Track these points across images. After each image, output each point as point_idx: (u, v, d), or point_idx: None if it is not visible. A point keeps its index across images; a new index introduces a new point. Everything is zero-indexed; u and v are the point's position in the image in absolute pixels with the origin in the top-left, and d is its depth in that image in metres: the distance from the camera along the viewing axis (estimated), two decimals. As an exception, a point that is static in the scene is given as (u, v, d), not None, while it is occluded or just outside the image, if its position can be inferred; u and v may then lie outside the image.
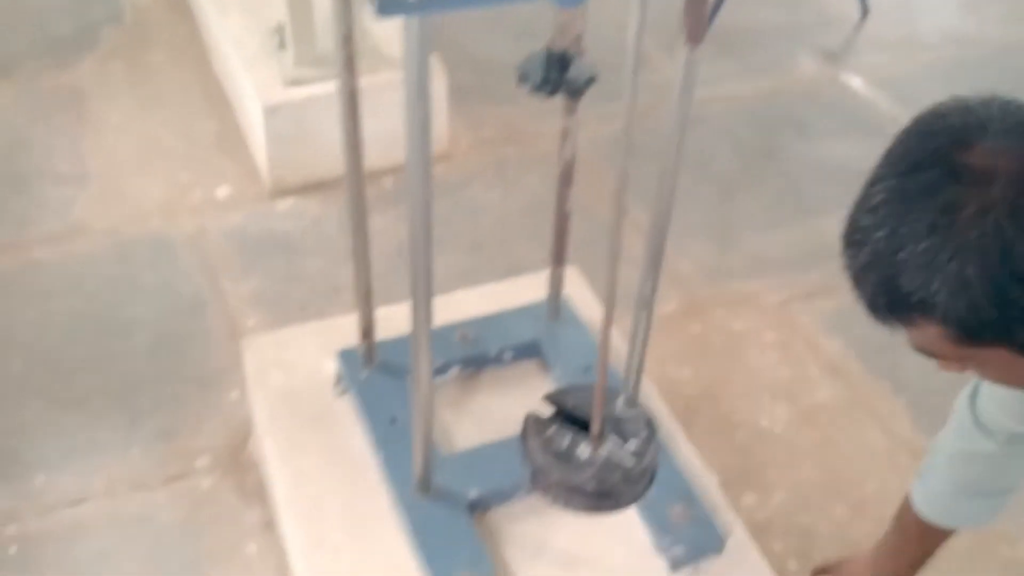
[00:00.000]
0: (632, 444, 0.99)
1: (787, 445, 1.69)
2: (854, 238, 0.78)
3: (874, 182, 0.76)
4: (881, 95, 2.58)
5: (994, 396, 1.06)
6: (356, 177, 1.16)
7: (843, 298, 2.15)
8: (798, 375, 1.82)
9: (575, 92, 0.93)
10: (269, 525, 1.49)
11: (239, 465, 1.58)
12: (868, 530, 1.56)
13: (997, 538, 1.56)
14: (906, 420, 1.75)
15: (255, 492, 1.54)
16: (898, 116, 2.48)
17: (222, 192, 2.13)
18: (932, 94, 2.65)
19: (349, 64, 1.03)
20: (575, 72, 0.94)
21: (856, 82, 2.63)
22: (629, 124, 0.77)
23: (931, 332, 0.75)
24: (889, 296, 0.75)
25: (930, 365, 1.87)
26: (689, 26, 0.88)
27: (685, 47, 0.87)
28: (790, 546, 1.53)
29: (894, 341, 2.03)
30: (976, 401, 1.10)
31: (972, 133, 0.72)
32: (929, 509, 1.20)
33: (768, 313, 1.94)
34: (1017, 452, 1.09)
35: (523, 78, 0.94)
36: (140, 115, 2.32)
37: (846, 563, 1.35)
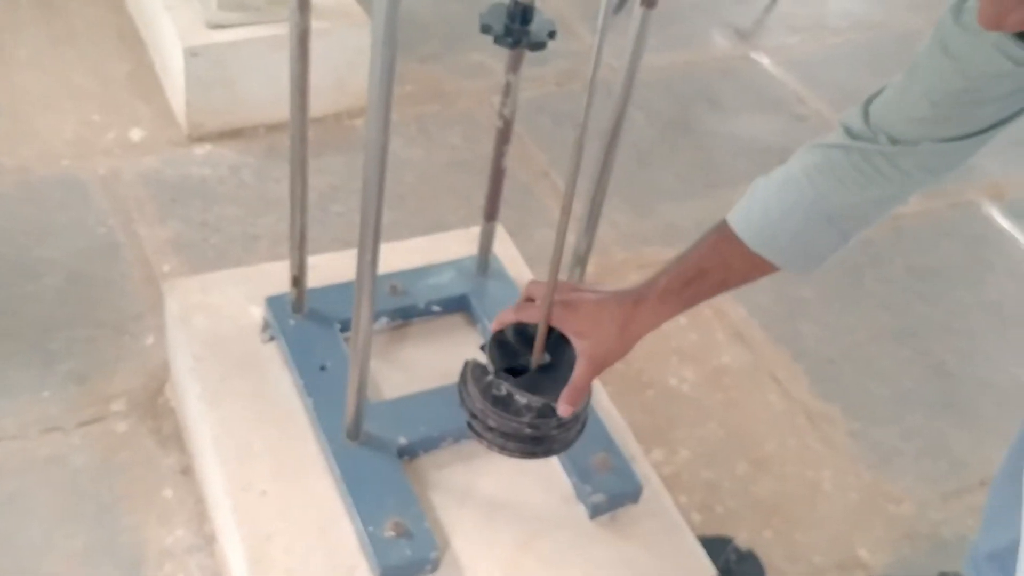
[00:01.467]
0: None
1: (693, 405, 1.77)
2: None
3: None
4: (789, 75, 2.67)
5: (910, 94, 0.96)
6: (300, 119, 1.16)
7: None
8: (705, 339, 1.90)
9: (536, 45, 0.95)
10: (187, 471, 1.49)
11: (155, 410, 1.56)
12: (767, 485, 1.66)
13: (884, 497, 1.67)
14: (803, 384, 1.84)
15: (172, 437, 1.53)
16: (804, 96, 2.58)
17: (136, 135, 2.08)
18: (837, 76, 2.81)
19: (304, 6, 1.03)
20: (537, 25, 0.96)
21: (766, 61, 2.71)
22: (591, 88, 0.80)
23: None
24: None
25: (824, 333, 1.97)
26: (645, -10, 0.91)
27: (640, 8, 0.90)
28: (694, 500, 1.61)
29: (793, 311, 2.13)
30: (873, 106, 1.00)
31: None
32: (751, 229, 1.02)
33: (679, 279, 2.00)
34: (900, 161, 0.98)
35: (485, 29, 0.95)
36: (50, 52, 2.24)
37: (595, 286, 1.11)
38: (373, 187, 0.96)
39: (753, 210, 1.04)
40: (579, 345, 1.03)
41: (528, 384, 1.02)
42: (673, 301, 1.07)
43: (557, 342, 1.04)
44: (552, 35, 0.96)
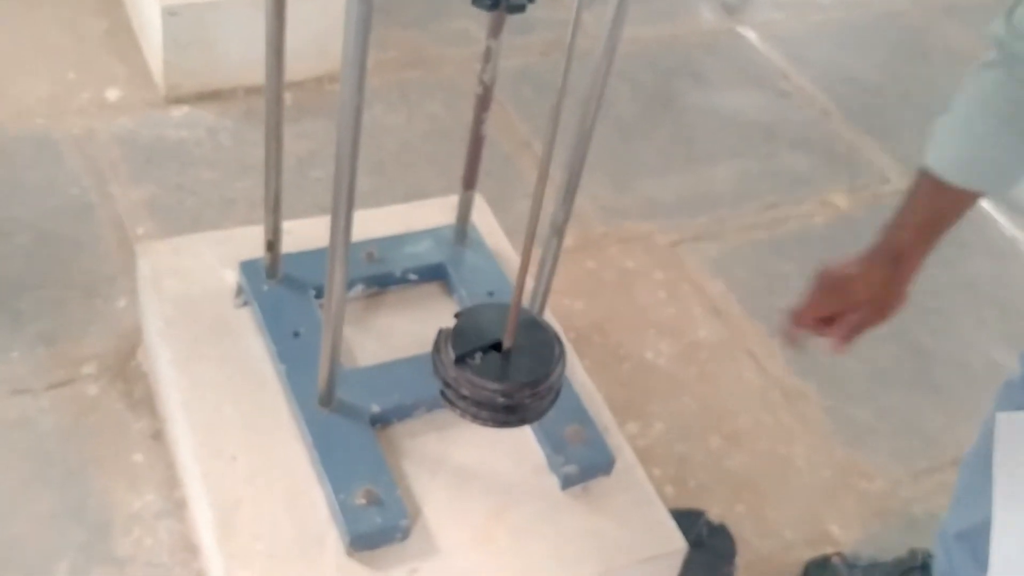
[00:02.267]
0: (542, 362, 1.01)
1: (669, 378, 1.77)
2: None
3: None
4: (774, 51, 2.66)
5: None
6: (276, 81, 1.14)
7: (727, 243, 2.24)
8: (682, 313, 1.90)
9: (515, 7, 0.94)
10: (157, 435, 1.47)
11: (126, 374, 1.55)
12: (740, 459, 1.66)
13: (856, 474, 1.68)
14: (779, 361, 1.84)
15: (143, 401, 1.51)
16: (788, 72, 2.57)
17: (112, 94, 2.04)
18: (821, 53, 2.80)
19: (279, -35, 1.00)
20: (516, -13, 0.94)
21: (751, 36, 2.70)
22: (568, 62, 0.78)
23: None
24: None
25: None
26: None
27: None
28: (667, 473, 1.61)
29: (771, 287, 2.13)
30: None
31: None
32: (946, 163, 1.07)
33: (658, 253, 2.00)
34: None
35: (464, -11, 0.94)
36: (24, 9, 2.20)
37: (848, 262, 1.23)
38: (347, 153, 0.94)
39: (947, 148, 1.08)
40: (868, 314, 1.18)
41: (498, 365, 1.01)
42: (922, 250, 1.18)
43: (529, 326, 1.03)
44: (532, -1, 0.94)
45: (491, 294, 1.39)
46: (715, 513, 1.54)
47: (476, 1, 0.93)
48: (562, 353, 1.03)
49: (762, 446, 1.69)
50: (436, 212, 1.52)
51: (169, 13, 1.95)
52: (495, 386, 0.99)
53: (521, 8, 0.94)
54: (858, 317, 1.19)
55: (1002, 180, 1.11)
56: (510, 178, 2.05)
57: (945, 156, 1.08)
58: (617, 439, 1.29)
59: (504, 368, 1.00)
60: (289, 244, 1.35)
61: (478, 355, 1.00)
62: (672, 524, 1.23)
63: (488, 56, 1.20)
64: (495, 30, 1.15)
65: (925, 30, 2.89)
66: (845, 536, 1.58)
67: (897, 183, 2.29)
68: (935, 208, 1.13)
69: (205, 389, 1.25)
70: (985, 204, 2.30)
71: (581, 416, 1.26)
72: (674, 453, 1.64)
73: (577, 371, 1.37)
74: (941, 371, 1.89)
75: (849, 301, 1.19)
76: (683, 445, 1.66)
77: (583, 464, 1.22)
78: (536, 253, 1.17)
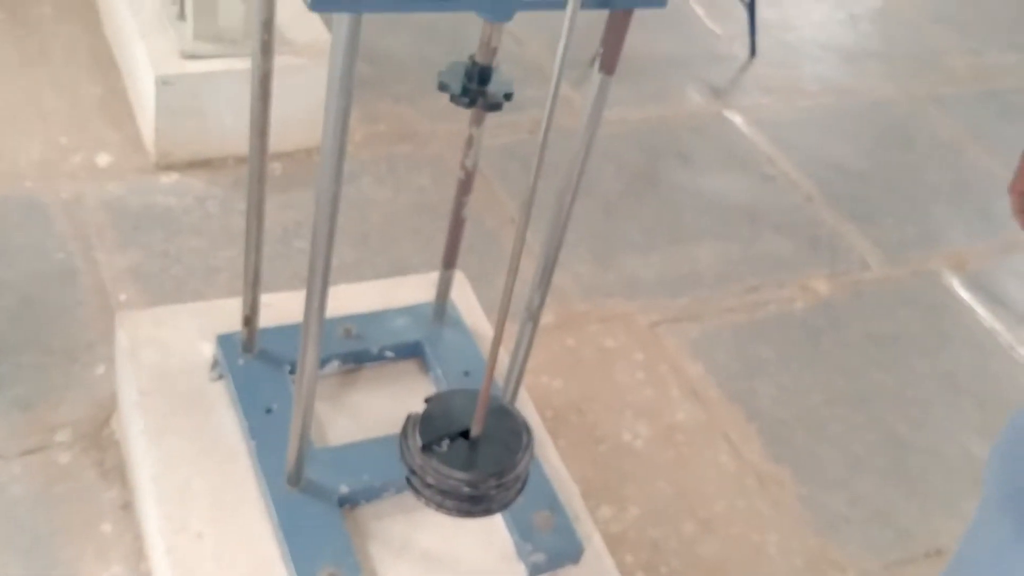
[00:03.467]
0: (509, 451, 1.02)
1: (645, 461, 1.76)
2: None
3: None
4: (760, 135, 2.70)
5: None
6: (259, 161, 1.16)
7: (708, 324, 2.25)
8: (660, 395, 1.90)
9: (492, 106, 0.96)
10: (127, 506, 1.46)
11: (100, 442, 1.54)
12: (713, 546, 1.65)
13: (828, 564, 1.67)
14: (756, 446, 1.85)
15: (115, 471, 1.50)
16: (773, 156, 2.62)
17: (103, 160, 2.07)
18: (806, 138, 2.84)
19: (267, 49, 1.03)
20: (494, 86, 0.97)
21: (738, 119, 2.75)
22: (542, 147, 0.80)
23: None
24: None
25: (779, 394, 1.97)
26: (605, 56, 0.92)
27: (599, 75, 0.91)
28: (640, 559, 1.60)
29: (750, 371, 2.14)
30: None
31: None
32: None
33: (638, 333, 2.01)
34: None
35: (443, 87, 0.96)
36: (21, 70, 2.23)
37: None
38: (322, 235, 0.95)
39: None
40: None
41: (465, 454, 1.02)
42: None
43: (498, 413, 1.04)
44: (508, 97, 0.97)
45: (467, 374, 1.40)
46: (686, 601, 1.53)
47: (454, 98, 0.96)
48: (530, 442, 1.04)
49: (735, 532, 1.68)
50: (416, 289, 1.53)
51: (163, 82, 1.98)
52: (461, 475, 0.99)
53: (498, 107, 0.96)
54: None
55: None
56: (493, 254, 2.07)
57: None
58: (587, 526, 1.29)
59: (471, 457, 1.00)
60: (267, 318, 1.35)
61: (445, 442, 1.01)
62: (639, 615, 1.22)
63: (470, 143, 1.22)
64: (477, 119, 1.18)
65: (911, 119, 2.95)
66: (816, 628, 1.57)
67: (878, 270, 2.32)
68: None
69: (175, 462, 1.25)
70: (965, 295, 2.32)
71: (551, 502, 1.26)
72: (647, 538, 1.63)
73: (550, 454, 1.37)
74: (917, 461, 1.89)
75: None
76: (657, 530, 1.65)
77: (551, 552, 1.21)
78: (514, 332, 1.18)
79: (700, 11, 3.16)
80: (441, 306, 1.46)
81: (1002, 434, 1.24)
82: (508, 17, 0.84)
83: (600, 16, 0.93)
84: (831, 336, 2.14)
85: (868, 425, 1.95)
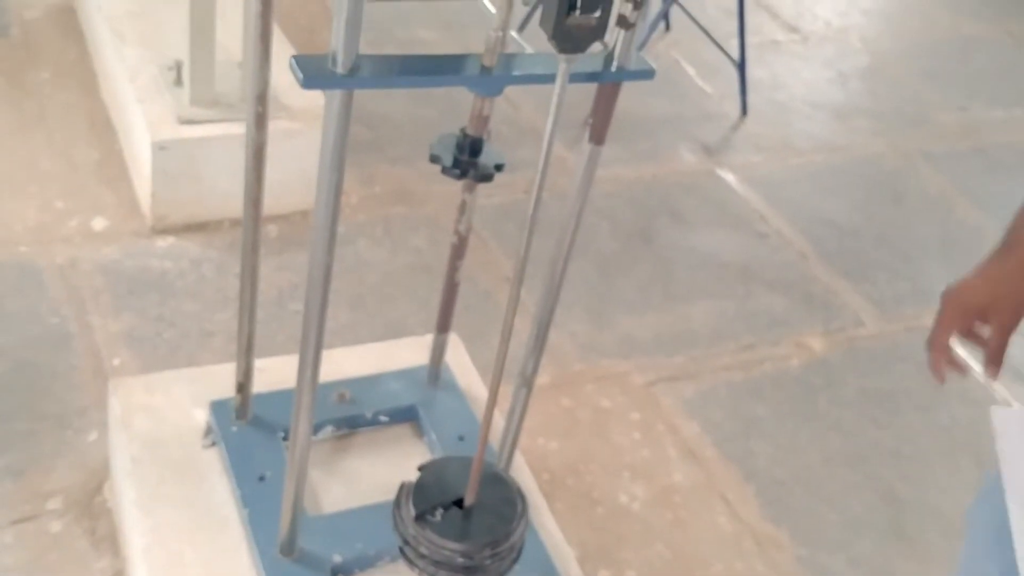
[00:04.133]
0: (503, 520, 1.01)
1: (642, 524, 1.75)
2: None
3: None
4: (752, 192, 2.72)
5: None
6: (253, 230, 1.17)
7: (703, 383, 2.25)
8: (657, 455, 1.89)
9: (483, 178, 0.97)
10: (119, 575, 1.45)
11: (92, 510, 1.53)
12: (713, 612, 1.63)
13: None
14: (754, 507, 1.83)
15: (106, 539, 1.49)
16: (766, 214, 2.63)
17: (99, 223, 2.08)
18: (799, 195, 2.85)
19: (260, 121, 1.04)
20: (485, 157, 0.98)
21: (730, 177, 2.77)
22: (533, 216, 0.81)
23: None
24: None
25: (776, 453, 1.96)
26: (594, 128, 0.93)
27: (588, 145, 0.92)
28: (639, 623, 1.58)
29: (747, 430, 2.13)
30: None
31: None
32: None
33: (634, 393, 2.01)
34: None
35: (434, 159, 0.97)
36: (18, 134, 2.25)
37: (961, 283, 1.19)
38: (315, 307, 0.96)
39: None
40: (1004, 316, 1.08)
41: (459, 524, 1.01)
42: None
43: (492, 481, 1.04)
44: (500, 168, 0.98)
45: (462, 438, 1.39)
46: (685, 668, 1.51)
47: (445, 170, 0.97)
48: (525, 510, 1.03)
49: (735, 596, 1.67)
50: (411, 351, 1.53)
51: (159, 147, 2.00)
52: (455, 546, 0.98)
53: (489, 178, 0.97)
54: (997, 322, 1.10)
55: None
56: (488, 313, 2.07)
57: None
58: (583, 593, 1.27)
59: (465, 527, 1.00)
60: (261, 383, 1.35)
61: (439, 512, 1.00)
62: None
63: (463, 209, 1.23)
64: (469, 187, 1.19)
65: (901, 174, 2.97)
66: None
67: (872, 327, 2.32)
68: None
69: (167, 532, 1.24)
70: (959, 350, 2.32)
71: (547, 570, 1.25)
72: (645, 603, 1.61)
73: (546, 519, 1.36)
74: (914, 519, 1.87)
75: (973, 304, 1.11)
76: (655, 594, 1.63)
77: (546, 620, 1.20)
78: (509, 394, 1.18)
79: (691, 71, 3.20)
80: (436, 370, 1.47)
81: (988, 475, 1.23)
82: (498, 92, 0.86)
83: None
84: (827, 393, 2.13)
85: (866, 483, 1.94)
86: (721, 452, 1.93)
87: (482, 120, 0.95)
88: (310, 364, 1.02)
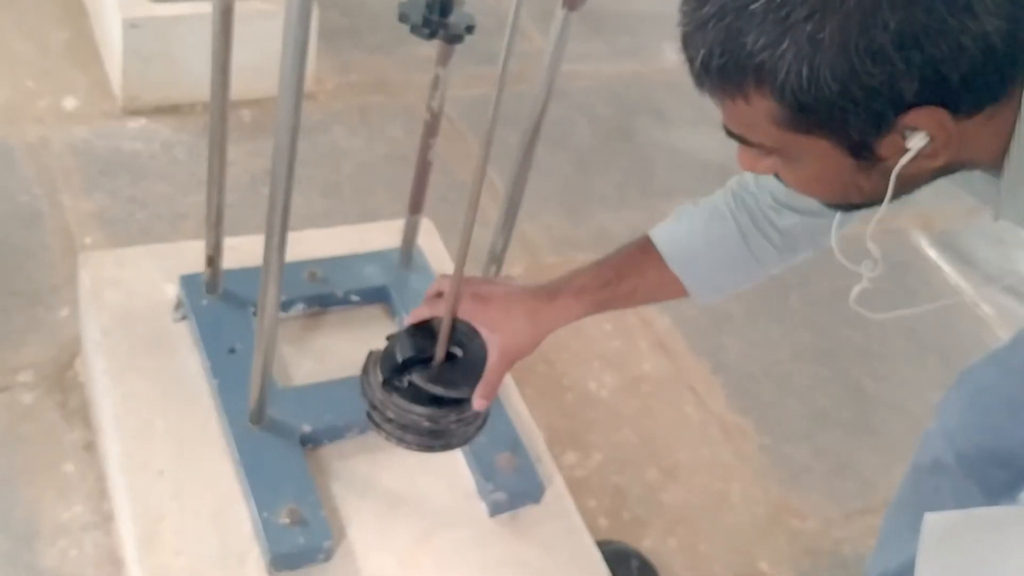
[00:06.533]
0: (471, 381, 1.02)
1: (611, 410, 1.78)
2: None
3: None
4: (735, 92, 2.69)
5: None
6: (221, 98, 1.15)
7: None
8: (628, 347, 1.91)
9: (453, 38, 0.95)
10: (90, 447, 1.46)
11: (63, 383, 1.54)
12: (676, 493, 1.67)
13: (789, 513, 1.69)
14: (720, 397, 1.86)
15: (78, 412, 1.50)
16: (748, 114, 2.61)
17: (70, 104, 2.04)
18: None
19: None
20: (455, 18, 0.96)
21: (713, 77, 2.74)
22: (500, 88, 0.80)
23: (759, 107, 0.71)
24: (728, 56, 0.70)
25: (746, 348, 1.99)
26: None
27: (562, 11, 0.90)
28: (603, 504, 1.61)
29: (718, 325, 2.14)
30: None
31: None
32: (673, 248, 1.10)
33: (608, 286, 2.02)
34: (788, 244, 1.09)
35: (403, 18, 0.95)
36: (-13, 14, 2.20)
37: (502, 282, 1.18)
38: (282, 172, 0.95)
39: (679, 232, 1.10)
40: (491, 339, 1.05)
41: (434, 377, 1.02)
42: (588, 300, 1.12)
43: (467, 336, 1.04)
44: (470, 29, 0.96)
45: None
46: (647, 546, 1.55)
47: (414, 28, 0.95)
48: (490, 377, 1.04)
49: (698, 481, 1.70)
50: (383, 235, 1.52)
51: (131, 25, 1.95)
52: (421, 410, 0.99)
53: (459, 39, 0.95)
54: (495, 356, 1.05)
55: (709, 288, 1.13)
56: (464, 205, 2.05)
57: (675, 236, 1.10)
58: (549, 468, 1.30)
59: (430, 391, 1.00)
60: (232, 260, 1.35)
61: (405, 377, 1.01)
62: (598, 556, 1.23)
63: (436, 84, 1.22)
64: (443, 59, 1.17)
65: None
66: (774, 573, 1.59)
67: (847, 228, 2.33)
68: (629, 266, 1.11)
69: (137, 402, 1.24)
70: (932, 253, 2.34)
71: (514, 444, 1.27)
72: (610, 484, 1.65)
73: (513, 399, 1.38)
74: (880, 414, 1.91)
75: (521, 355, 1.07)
76: (620, 477, 1.66)
77: (512, 492, 1.22)
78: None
79: (678, -32, 3.14)
80: (408, 252, 1.46)
81: (959, 390, 1.25)
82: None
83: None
84: (799, 292, 2.15)
85: (833, 379, 1.97)
86: (692, 346, 1.95)
87: (451, -19, 0.93)
88: (278, 230, 1.01)
